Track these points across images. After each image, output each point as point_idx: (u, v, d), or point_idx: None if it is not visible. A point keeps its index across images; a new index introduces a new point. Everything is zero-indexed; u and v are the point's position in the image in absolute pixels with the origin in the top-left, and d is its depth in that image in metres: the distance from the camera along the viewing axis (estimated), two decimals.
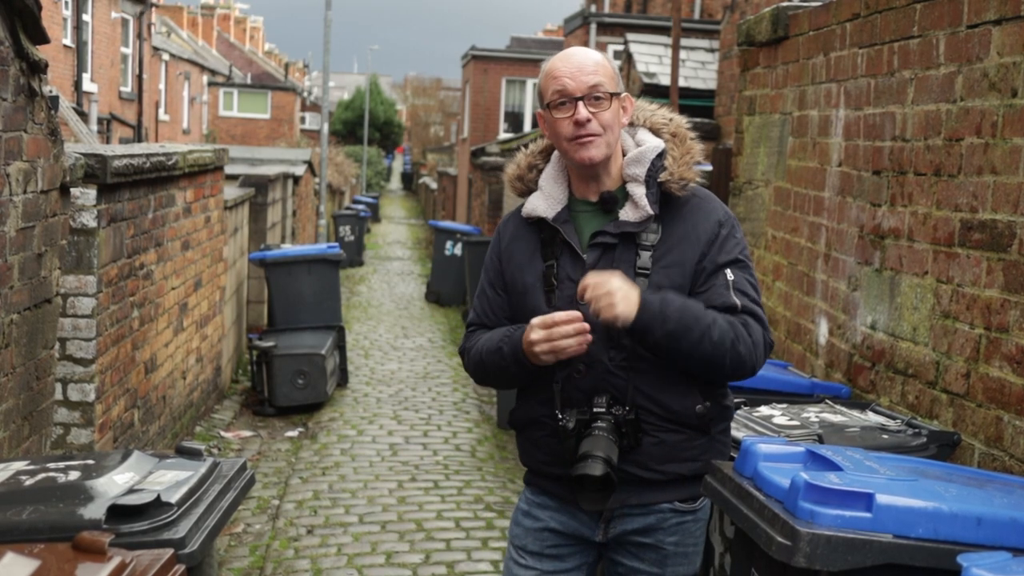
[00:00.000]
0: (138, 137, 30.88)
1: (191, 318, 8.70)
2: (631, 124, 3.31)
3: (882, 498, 2.87)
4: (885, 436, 4.12)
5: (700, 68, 15.63)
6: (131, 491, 3.09)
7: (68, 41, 25.38)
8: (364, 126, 59.34)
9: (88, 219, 5.98)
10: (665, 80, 14.25)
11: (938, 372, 4.49)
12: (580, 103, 3.10)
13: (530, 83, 31.42)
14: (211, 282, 9.48)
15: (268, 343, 10.24)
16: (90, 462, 3.33)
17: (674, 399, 3.16)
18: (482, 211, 22.25)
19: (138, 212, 6.86)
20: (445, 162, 48.35)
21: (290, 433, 9.50)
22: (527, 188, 3.35)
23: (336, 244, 13.12)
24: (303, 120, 57.32)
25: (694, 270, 3.14)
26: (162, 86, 36.41)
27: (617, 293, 2.96)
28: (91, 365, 6.05)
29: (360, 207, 31.97)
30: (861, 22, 5.41)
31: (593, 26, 17.67)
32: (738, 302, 3.14)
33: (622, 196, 3.22)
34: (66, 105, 16.45)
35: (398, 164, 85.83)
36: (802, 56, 6.23)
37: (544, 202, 3.26)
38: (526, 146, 3.47)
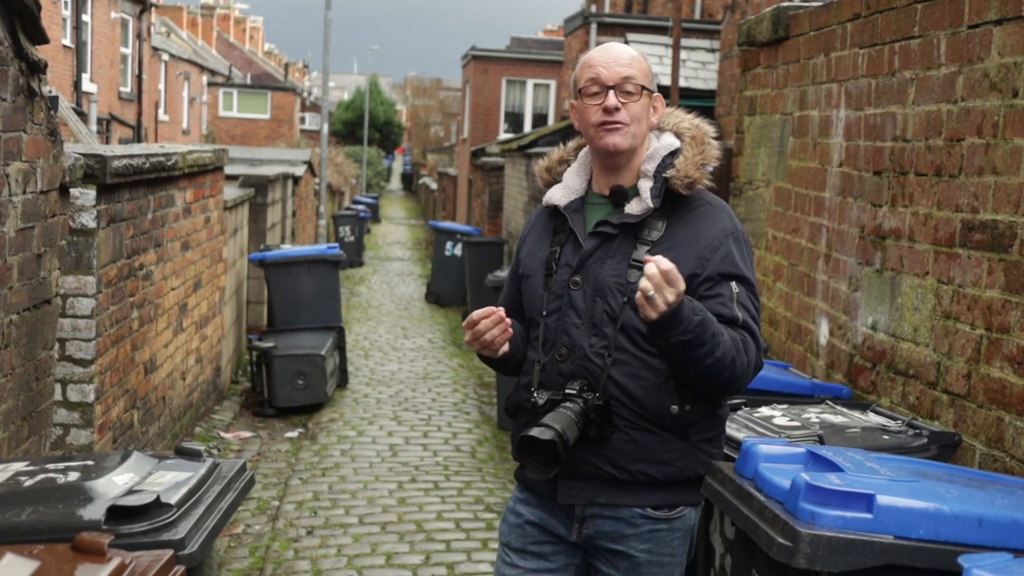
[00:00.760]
0: (137, 137, 30.87)
1: (191, 319, 8.69)
2: (660, 128, 3.34)
3: (883, 499, 2.87)
4: (886, 437, 4.12)
5: (701, 68, 15.63)
6: (131, 492, 3.09)
7: (67, 41, 25.36)
8: (364, 126, 59.34)
9: (87, 219, 5.97)
10: (666, 80, 14.24)
11: (939, 373, 4.48)
12: (611, 92, 3.18)
13: (530, 83, 31.41)
14: (211, 283, 9.47)
15: (268, 344, 10.23)
16: (89, 463, 3.33)
17: (648, 395, 3.14)
18: (482, 211, 22.24)
19: (138, 212, 6.85)
20: (445, 162, 48.38)
21: (290, 434, 9.49)
22: (553, 180, 3.44)
23: (336, 244, 13.11)
24: (303, 120, 57.31)
25: (691, 274, 3.12)
26: (162, 86, 36.40)
27: (667, 301, 2.90)
28: (90, 366, 6.04)
29: (360, 207, 31.96)
30: (862, 22, 5.40)
31: (593, 26, 17.66)
32: (740, 315, 3.14)
33: (633, 192, 3.26)
34: (65, 105, 16.45)
35: (398, 164, 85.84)
36: (803, 56, 6.23)
37: (561, 191, 3.36)
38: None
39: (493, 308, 3.14)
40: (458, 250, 18.27)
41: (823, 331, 5.76)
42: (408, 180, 75.08)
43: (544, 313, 3.25)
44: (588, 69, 3.23)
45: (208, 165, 8.68)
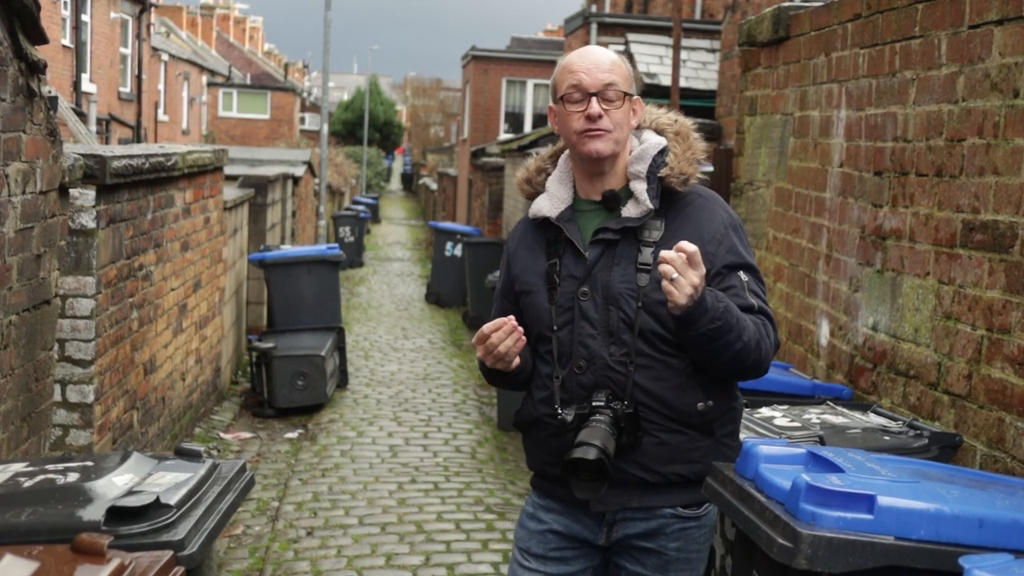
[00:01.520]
0: (137, 138, 30.85)
1: (190, 319, 8.69)
2: (637, 127, 3.32)
3: (883, 500, 2.86)
4: (886, 438, 4.11)
5: (701, 68, 15.62)
6: (130, 493, 3.09)
7: (67, 41, 25.35)
8: (364, 127, 59.34)
9: (87, 220, 5.97)
10: (666, 80, 14.25)
11: (940, 373, 4.48)
12: (593, 99, 3.15)
13: (531, 84, 31.40)
14: (210, 283, 9.47)
15: (268, 344, 10.23)
16: (89, 464, 3.33)
17: (674, 395, 3.16)
18: (482, 212, 22.25)
19: (137, 213, 6.85)
20: (445, 163, 48.35)
21: (290, 435, 9.49)
22: (535, 191, 3.40)
23: (336, 245, 13.11)
24: (303, 120, 57.31)
25: (710, 273, 3.13)
26: (161, 86, 36.39)
27: (692, 285, 2.93)
28: (90, 366, 6.04)
29: (360, 208, 31.97)
30: (862, 22, 5.40)
31: (594, 26, 17.65)
32: (754, 303, 3.16)
33: (625, 195, 3.24)
34: (65, 105, 16.44)
35: (398, 165, 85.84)
36: (803, 56, 6.22)
37: (549, 202, 3.32)
38: (536, 152, 3.54)
39: (503, 320, 3.11)
40: (458, 250, 18.27)
41: (824, 332, 5.76)
42: (408, 180, 75.10)
43: (555, 328, 3.22)
44: (569, 75, 3.20)
45: (208, 165, 8.68)
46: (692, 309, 2.96)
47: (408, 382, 12.07)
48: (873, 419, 4.44)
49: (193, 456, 3.48)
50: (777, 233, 6.54)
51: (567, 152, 3.35)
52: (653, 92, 14.69)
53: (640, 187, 3.20)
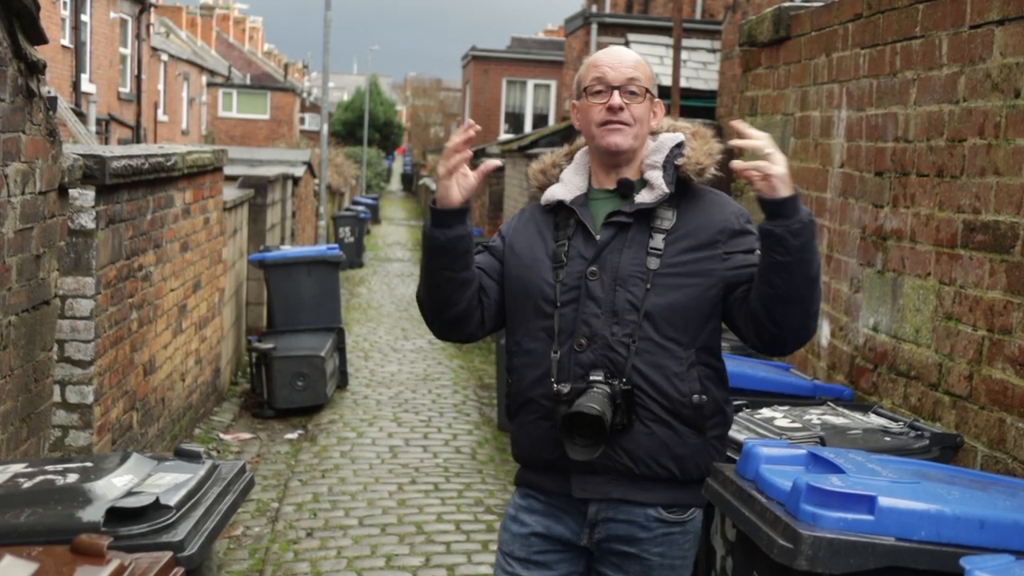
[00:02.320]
0: (137, 138, 30.86)
1: (190, 320, 8.68)
2: (654, 133, 3.37)
3: (884, 501, 2.86)
4: (887, 438, 4.11)
5: (701, 69, 15.62)
6: (130, 494, 3.09)
7: (66, 41, 25.35)
8: (364, 127, 59.28)
9: (86, 220, 5.96)
10: (666, 81, 14.24)
11: (940, 374, 4.47)
12: (616, 92, 3.22)
13: (531, 84, 31.42)
14: (210, 284, 9.47)
15: (267, 345, 10.22)
16: (88, 464, 3.32)
17: (671, 384, 3.16)
18: (482, 212, 22.25)
19: (137, 213, 6.84)
20: None
21: (289, 435, 9.48)
22: (548, 181, 3.45)
23: (336, 245, 13.10)
24: (303, 121, 57.31)
25: (712, 252, 3.21)
26: (161, 87, 36.39)
27: (781, 160, 3.03)
28: (89, 367, 6.03)
29: (360, 208, 31.93)
30: (863, 22, 5.39)
31: (594, 26, 17.66)
32: None
33: (639, 185, 3.29)
34: (64, 106, 16.44)
35: (398, 165, 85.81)
36: (804, 56, 6.22)
37: (563, 188, 3.36)
38: (551, 151, 3.57)
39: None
40: None
41: (824, 332, 5.75)
42: (408, 181, 75.06)
43: (558, 304, 3.23)
44: (594, 69, 3.28)
45: (207, 166, 8.67)
46: (795, 195, 3.04)
47: (408, 383, 12.07)
48: (874, 420, 4.43)
49: (193, 457, 3.48)
50: None
51: (585, 148, 3.41)
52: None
53: (655, 174, 3.25)
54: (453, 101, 70.81)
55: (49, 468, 3.31)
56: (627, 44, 15.96)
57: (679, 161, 3.26)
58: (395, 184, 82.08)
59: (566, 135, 15.23)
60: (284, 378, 10.12)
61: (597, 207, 3.32)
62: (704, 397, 3.19)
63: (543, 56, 31.81)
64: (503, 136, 29.83)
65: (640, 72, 3.26)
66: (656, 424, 3.16)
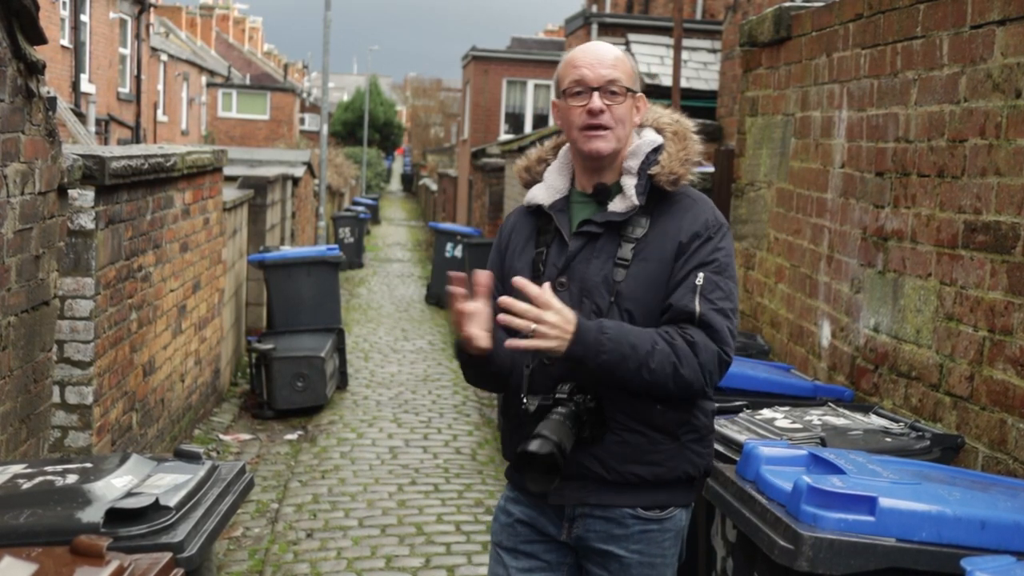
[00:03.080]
0: (136, 138, 30.84)
1: (190, 320, 8.67)
2: (640, 125, 3.31)
3: (885, 502, 2.86)
4: (888, 439, 4.10)
5: (702, 69, 15.62)
6: (129, 494, 3.08)
7: (66, 42, 25.32)
8: (364, 127, 59.31)
9: (86, 221, 5.95)
10: (667, 81, 14.24)
11: (941, 375, 4.47)
12: (595, 93, 3.14)
13: (531, 84, 31.39)
14: (210, 284, 9.46)
15: (267, 345, 10.22)
16: (88, 465, 3.32)
17: (636, 395, 3.07)
18: (483, 213, 22.24)
19: (136, 214, 6.84)
20: (445, 163, 48.36)
21: (289, 436, 9.47)
22: (533, 179, 3.40)
23: (335, 246, 13.09)
24: (302, 121, 57.28)
25: (672, 268, 3.11)
26: (160, 87, 36.37)
27: (550, 325, 2.93)
28: (89, 368, 6.03)
29: (360, 209, 31.96)
30: (864, 22, 5.39)
31: (594, 26, 17.65)
32: (697, 309, 3.06)
33: (615, 190, 3.22)
34: (64, 106, 16.43)
35: (398, 165, 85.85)
36: (805, 57, 6.21)
37: (544, 191, 3.31)
38: (541, 142, 3.51)
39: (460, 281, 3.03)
40: (458, 251, 18.26)
41: (825, 333, 5.74)
42: (408, 181, 75.10)
43: None
44: (572, 70, 3.19)
45: (207, 166, 8.67)
46: (571, 348, 2.95)
47: (408, 383, 12.06)
48: (875, 421, 4.43)
49: (192, 458, 3.47)
50: (778, 234, 6.53)
51: (568, 145, 3.34)
52: (654, 92, 14.67)
53: (629, 182, 3.18)
54: (453, 101, 70.79)
55: (48, 469, 3.30)
56: (627, 44, 15.96)
57: (652, 170, 3.17)
58: (395, 184, 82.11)
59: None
60: (284, 379, 10.11)
61: (576, 211, 3.26)
62: (666, 404, 3.10)
63: (543, 56, 31.79)
64: (503, 136, 29.81)
65: (620, 70, 3.17)
66: (628, 433, 3.10)
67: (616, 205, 3.18)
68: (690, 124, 3.35)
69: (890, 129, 5.04)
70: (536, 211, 3.33)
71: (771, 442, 3.67)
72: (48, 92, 4.93)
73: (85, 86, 26.12)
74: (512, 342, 2.96)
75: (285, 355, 10.17)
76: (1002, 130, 4.11)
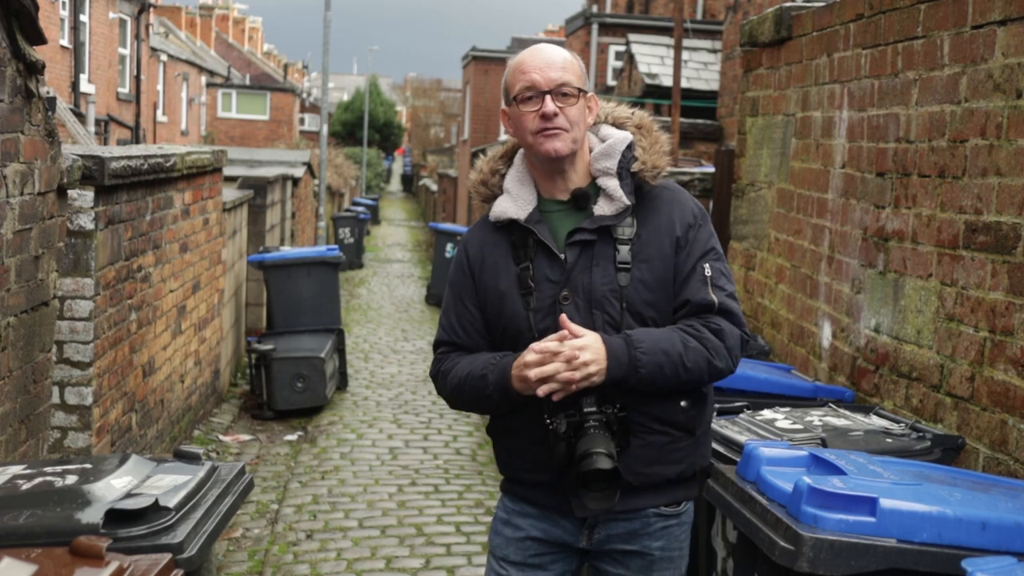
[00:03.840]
0: (136, 138, 30.84)
1: (189, 321, 8.67)
2: (594, 124, 3.26)
3: (886, 502, 2.86)
4: (889, 440, 4.10)
5: (702, 69, 15.62)
6: (129, 495, 3.08)
7: (65, 42, 25.32)
8: (364, 127, 59.32)
9: (85, 221, 5.95)
10: (667, 81, 14.25)
11: (942, 375, 4.46)
12: (547, 97, 3.07)
13: None
14: (209, 285, 9.45)
15: (267, 346, 10.21)
16: (87, 466, 3.31)
17: (658, 397, 3.08)
18: (482, 213, 22.21)
19: (136, 214, 6.83)
20: (445, 164, 48.32)
21: (289, 437, 9.47)
22: (491, 193, 3.29)
23: (335, 246, 13.10)
24: (302, 121, 57.29)
25: (674, 262, 3.12)
26: (160, 87, 36.36)
27: (589, 359, 2.95)
28: (88, 368, 6.02)
29: (360, 209, 31.95)
30: (865, 23, 5.38)
31: (595, 27, 17.67)
32: (715, 299, 3.10)
33: (594, 192, 3.17)
34: (63, 106, 16.43)
35: (398, 166, 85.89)
36: (805, 57, 6.21)
37: (513, 204, 3.21)
38: (484, 152, 3.43)
39: (565, 340, 3.01)
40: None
41: (826, 333, 5.74)
42: (408, 182, 75.12)
43: (535, 334, 3.09)
44: (521, 76, 3.12)
45: (207, 166, 8.66)
46: (610, 373, 2.98)
47: (408, 384, 12.06)
48: (875, 421, 4.42)
49: (192, 458, 3.47)
50: (779, 234, 6.53)
51: (522, 152, 3.27)
52: (654, 93, 14.69)
53: (612, 184, 3.13)
54: (453, 102, 70.80)
55: (48, 470, 3.30)
56: (628, 44, 15.96)
57: (635, 168, 3.14)
58: (395, 185, 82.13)
59: None
60: (284, 379, 10.10)
61: (554, 221, 3.17)
62: (691, 400, 3.14)
63: None
64: (503, 136, 29.80)
65: (570, 72, 3.10)
66: (651, 435, 3.11)
67: (603, 208, 3.13)
68: (646, 114, 3.32)
69: (891, 129, 5.04)
70: (507, 226, 3.21)
71: (772, 443, 3.66)
72: (47, 92, 4.93)
73: (84, 86, 26.11)
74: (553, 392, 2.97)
75: (285, 356, 10.17)
76: (1003, 130, 4.10)
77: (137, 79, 31.62)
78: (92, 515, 2.95)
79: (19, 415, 4.77)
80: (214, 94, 47.77)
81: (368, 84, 62.91)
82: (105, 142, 26.45)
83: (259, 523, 7.11)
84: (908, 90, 4.88)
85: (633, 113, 3.31)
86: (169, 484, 3.21)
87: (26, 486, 3.15)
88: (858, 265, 5.33)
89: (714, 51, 15.96)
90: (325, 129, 24.92)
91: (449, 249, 18.66)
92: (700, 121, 13.61)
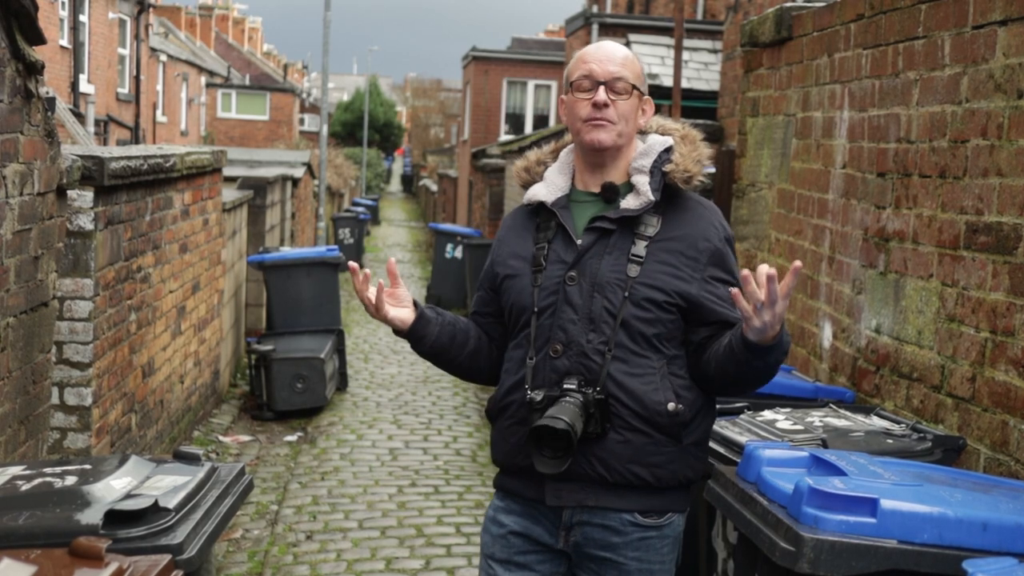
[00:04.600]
0: (135, 139, 30.82)
1: (189, 321, 8.66)
2: (643, 132, 3.34)
3: (887, 503, 2.85)
4: (890, 441, 4.09)
5: (703, 69, 15.62)
6: (128, 496, 3.08)
7: (65, 42, 25.31)
8: (364, 128, 59.33)
9: (85, 221, 5.94)
10: (668, 81, 14.22)
11: (943, 376, 4.46)
12: (601, 87, 3.19)
13: (531, 84, 31.39)
14: (209, 285, 9.45)
15: (267, 347, 10.20)
16: (87, 467, 3.31)
17: (645, 392, 3.10)
18: (483, 214, 22.23)
19: (135, 214, 6.83)
20: (445, 164, 48.32)
21: (289, 438, 9.47)
22: (532, 180, 3.42)
23: (335, 247, 13.10)
24: (302, 122, 57.29)
25: (688, 275, 3.15)
26: (160, 87, 36.35)
27: (779, 314, 2.93)
28: (88, 369, 6.02)
29: (360, 209, 31.96)
30: (866, 23, 5.38)
31: (595, 27, 17.66)
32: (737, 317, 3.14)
33: (625, 190, 3.25)
34: (63, 107, 16.44)
35: (398, 166, 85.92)
36: (806, 57, 6.20)
37: (545, 189, 3.34)
38: (541, 144, 3.56)
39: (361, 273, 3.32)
40: (459, 252, 18.25)
41: (826, 334, 5.73)
42: (408, 182, 75.15)
43: (535, 310, 3.21)
44: (582, 65, 3.25)
45: (206, 167, 8.66)
46: (775, 340, 2.97)
47: (408, 385, 12.06)
48: (876, 422, 4.42)
49: (192, 459, 3.46)
50: (779, 235, 6.52)
51: (570, 146, 3.39)
52: (655, 93, 14.60)
53: (642, 179, 3.22)
54: (453, 102, 70.81)
55: (47, 470, 3.30)
56: (628, 44, 15.94)
57: (667, 168, 3.23)
58: (395, 185, 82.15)
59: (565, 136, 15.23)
60: (283, 380, 10.10)
61: (579, 210, 3.28)
62: (680, 406, 3.13)
63: (544, 57, 31.79)
64: (503, 137, 29.81)
65: (628, 69, 3.22)
66: (631, 432, 3.11)
67: (629, 202, 3.21)
68: (697, 131, 3.41)
69: (891, 130, 5.03)
70: (536, 209, 3.35)
71: (772, 444, 3.66)
72: (47, 92, 4.93)
73: (84, 86, 26.11)
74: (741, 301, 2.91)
75: (285, 356, 10.16)
76: (1004, 131, 4.10)
77: (137, 79, 31.61)
78: (92, 516, 2.95)
79: (18, 416, 4.76)
80: (214, 94, 47.76)
81: (368, 84, 62.94)
82: (104, 142, 26.44)
83: (259, 524, 7.10)
84: (909, 90, 4.88)
85: (684, 126, 3.42)
86: (169, 485, 3.20)
87: (26, 487, 3.15)
88: (859, 265, 5.33)
89: (714, 51, 15.96)
90: (325, 129, 24.92)
91: (449, 249, 18.64)
92: (700, 121, 13.59)
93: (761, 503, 3.13)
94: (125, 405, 6.77)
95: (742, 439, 3.93)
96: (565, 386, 3.10)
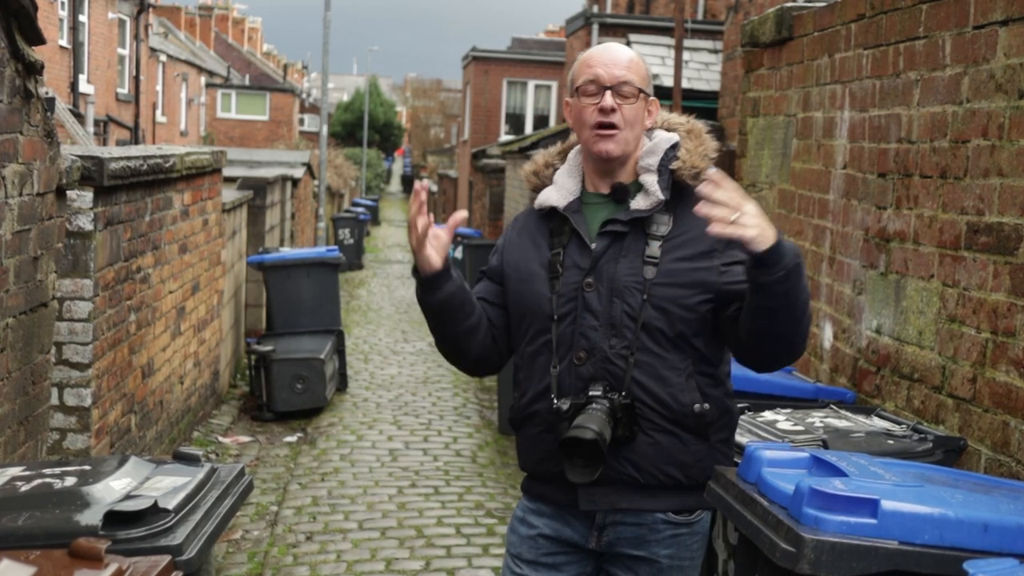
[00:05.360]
0: (135, 139, 30.82)
1: (189, 322, 8.66)
2: (650, 129, 3.34)
3: (887, 504, 2.84)
4: (890, 441, 4.09)
5: (703, 69, 15.62)
6: (128, 497, 3.07)
7: (64, 42, 25.30)
8: (364, 128, 59.34)
9: (84, 222, 5.94)
10: (668, 81, 14.23)
11: (944, 376, 4.45)
12: (608, 92, 3.17)
13: (531, 84, 31.40)
14: (209, 286, 9.44)
15: (266, 347, 10.20)
16: (86, 468, 3.30)
17: (671, 394, 3.13)
18: (483, 214, 22.24)
19: (135, 215, 6.82)
20: (445, 164, 48.37)
21: (289, 438, 9.46)
22: (541, 183, 3.41)
23: (335, 247, 13.09)
24: (302, 122, 57.31)
25: (716, 268, 3.14)
26: (159, 87, 36.35)
27: (751, 215, 2.86)
28: (87, 369, 6.01)
29: (359, 210, 31.95)
30: (866, 23, 5.37)
31: (595, 27, 17.66)
32: None
33: (634, 189, 3.25)
34: (62, 107, 16.43)
35: (398, 166, 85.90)
36: (806, 57, 6.20)
37: (556, 193, 3.32)
38: (544, 144, 3.54)
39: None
40: (459, 252, 18.24)
41: (827, 335, 5.73)
42: (408, 182, 75.11)
43: (555, 317, 3.20)
44: (587, 69, 3.23)
45: (206, 167, 8.65)
46: (779, 240, 2.93)
47: (408, 385, 12.05)
48: (877, 423, 4.42)
49: (191, 460, 3.46)
50: None
51: (577, 147, 3.37)
52: (655, 93, 14.61)
53: (651, 179, 3.21)
54: (453, 102, 70.84)
55: (47, 471, 3.29)
56: (628, 44, 15.93)
57: (674, 165, 3.22)
58: (395, 185, 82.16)
59: (566, 136, 15.25)
60: (283, 381, 10.09)
61: (592, 213, 3.27)
62: (706, 405, 3.16)
63: (544, 57, 31.81)
64: (504, 137, 29.82)
65: (634, 72, 3.21)
66: (659, 433, 3.14)
67: (639, 203, 3.21)
68: (701, 124, 3.40)
69: (892, 130, 5.03)
70: (548, 214, 3.34)
71: (773, 444, 3.65)
72: (46, 93, 4.92)
73: (83, 87, 26.11)
74: (716, 227, 2.85)
75: (284, 357, 10.16)
76: (1005, 131, 4.09)
77: (136, 79, 31.61)
78: (91, 517, 2.95)
79: (18, 416, 4.76)
80: (213, 94, 47.76)
81: (368, 84, 62.94)
82: (104, 143, 26.44)
83: (259, 525, 7.10)
84: (910, 90, 4.87)
85: (688, 120, 3.40)
86: (168, 486, 3.20)
87: (25, 488, 3.14)
88: (859, 266, 5.32)
89: (715, 51, 15.96)
90: (325, 130, 24.91)
91: (449, 250, 18.62)
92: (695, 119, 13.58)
93: (761, 504, 3.12)
94: (125, 406, 6.76)
95: (742, 440, 3.92)
96: (591, 393, 3.10)
